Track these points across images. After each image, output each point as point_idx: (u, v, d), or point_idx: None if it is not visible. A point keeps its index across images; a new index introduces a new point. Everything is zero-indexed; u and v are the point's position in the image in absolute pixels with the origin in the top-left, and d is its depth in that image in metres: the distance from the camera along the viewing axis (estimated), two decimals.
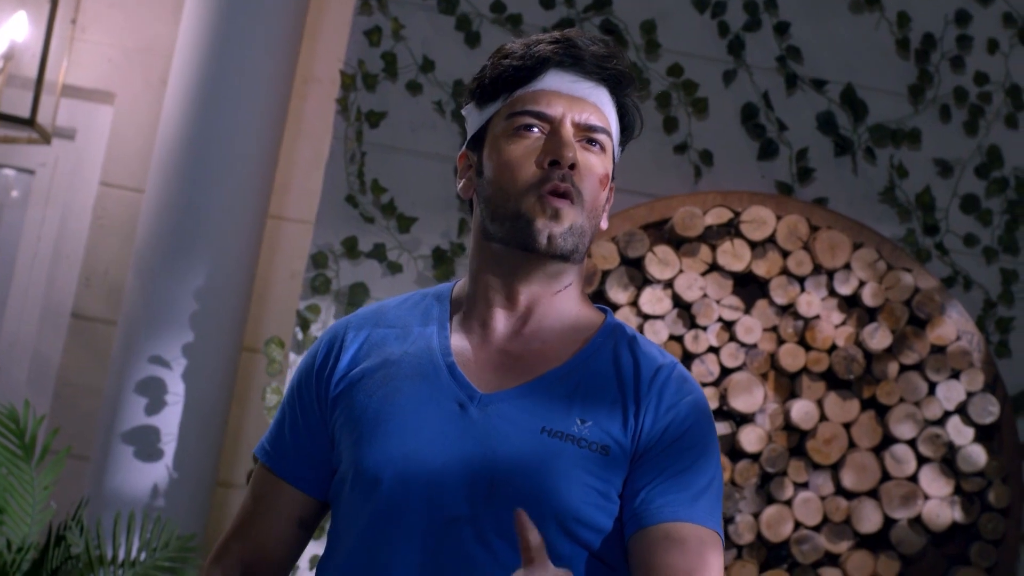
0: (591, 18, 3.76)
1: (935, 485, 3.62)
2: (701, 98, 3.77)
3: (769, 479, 3.60)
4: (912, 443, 3.62)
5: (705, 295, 3.61)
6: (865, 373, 3.64)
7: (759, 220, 3.65)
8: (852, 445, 3.61)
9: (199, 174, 3.57)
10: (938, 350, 3.67)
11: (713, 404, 3.55)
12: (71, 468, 3.62)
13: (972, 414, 3.64)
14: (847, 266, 3.66)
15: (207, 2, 3.62)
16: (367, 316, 1.92)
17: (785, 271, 3.65)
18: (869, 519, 3.59)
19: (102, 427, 3.54)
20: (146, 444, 3.50)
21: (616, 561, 1.78)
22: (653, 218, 3.67)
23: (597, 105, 1.85)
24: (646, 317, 3.58)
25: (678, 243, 3.64)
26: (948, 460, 3.64)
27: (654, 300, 3.59)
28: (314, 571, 3.38)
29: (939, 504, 3.61)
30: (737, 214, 3.66)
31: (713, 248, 3.63)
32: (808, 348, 3.63)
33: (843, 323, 3.65)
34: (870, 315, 3.67)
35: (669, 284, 3.61)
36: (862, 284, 3.66)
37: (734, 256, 3.63)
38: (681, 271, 3.61)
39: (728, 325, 3.61)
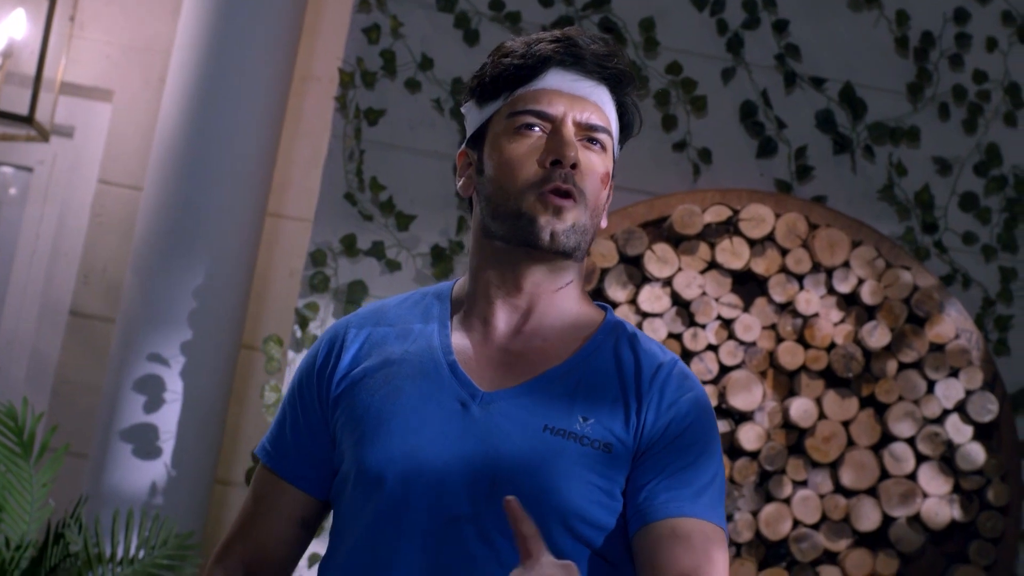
0: (590, 16, 3.76)
1: (934, 483, 3.62)
2: (700, 96, 3.77)
3: (768, 477, 3.60)
4: (911, 441, 3.63)
5: (704, 293, 3.61)
6: (864, 371, 3.64)
7: (758, 218, 3.65)
8: (851, 443, 3.61)
9: (198, 172, 3.56)
10: (937, 348, 3.67)
11: (712, 402, 3.54)
12: (69, 466, 3.62)
13: (971, 412, 3.64)
14: (846, 264, 3.66)
15: (206, 0, 3.61)
16: (367, 315, 1.92)
17: (784, 269, 3.65)
18: (868, 517, 3.59)
19: (101, 425, 3.54)
20: (145, 442, 3.50)
21: (618, 559, 1.78)
22: (652, 216, 3.67)
23: (598, 104, 1.85)
24: (645, 315, 3.58)
25: (677, 241, 3.64)
26: (947, 458, 3.64)
27: (653, 298, 3.59)
28: (313, 569, 3.38)
29: (938, 502, 3.61)
30: (736, 212, 3.66)
31: (712, 246, 3.63)
32: (807, 346, 3.63)
33: (842, 321, 3.65)
34: (869, 313, 3.67)
35: (668, 282, 3.61)
36: (861, 282, 3.66)
37: (733, 254, 3.63)
38: (680, 269, 3.61)
39: (727, 323, 3.61)
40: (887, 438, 3.63)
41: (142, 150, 3.86)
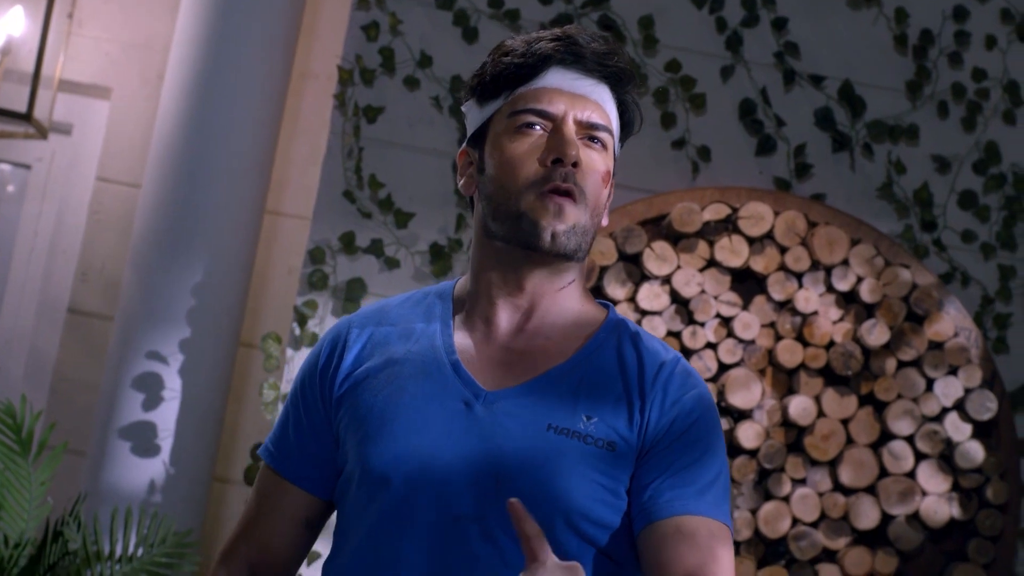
0: (588, 13, 3.75)
1: (933, 481, 3.62)
2: (699, 94, 3.77)
3: (767, 475, 3.60)
4: (910, 439, 3.62)
5: (703, 291, 3.61)
6: (863, 369, 3.64)
7: (757, 216, 3.65)
8: (850, 441, 3.61)
9: (196, 169, 3.56)
10: (936, 346, 3.67)
11: None
12: (68, 463, 3.62)
13: (970, 410, 3.64)
14: (845, 262, 3.66)
15: None
16: (369, 315, 1.92)
17: (783, 267, 3.65)
18: (867, 515, 3.59)
19: (99, 422, 3.54)
20: (143, 440, 3.50)
21: (623, 557, 1.78)
22: (651, 214, 3.67)
23: (599, 103, 1.85)
24: (644, 313, 3.58)
25: (676, 239, 3.64)
26: (946, 456, 3.64)
27: (652, 296, 3.59)
28: (311, 568, 3.38)
29: (937, 500, 3.61)
30: (735, 210, 3.66)
31: (711, 244, 3.63)
32: (806, 344, 3.62)
33: (841, 319, 3.65)
34: (868, 311, 3.67)
35: (667, 280, 3.60)
36: (860, 280, 3.66)
37: (732, 252, 3.63)
38: (679, 267, 3.61)
39: (726, 321, 3.61)
40: (886, 436, 3.63)
41: (140, 147, 3.85)
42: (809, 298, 3.63)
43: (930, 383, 3.65)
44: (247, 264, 3.64)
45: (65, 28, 3.84)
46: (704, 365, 3.57)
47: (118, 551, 3.26)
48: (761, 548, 3.59)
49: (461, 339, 1.85)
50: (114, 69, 3.92)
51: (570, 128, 1.82)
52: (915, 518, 3.60)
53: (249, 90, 3.61)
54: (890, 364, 3.63)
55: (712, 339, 3.60)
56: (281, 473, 1.91)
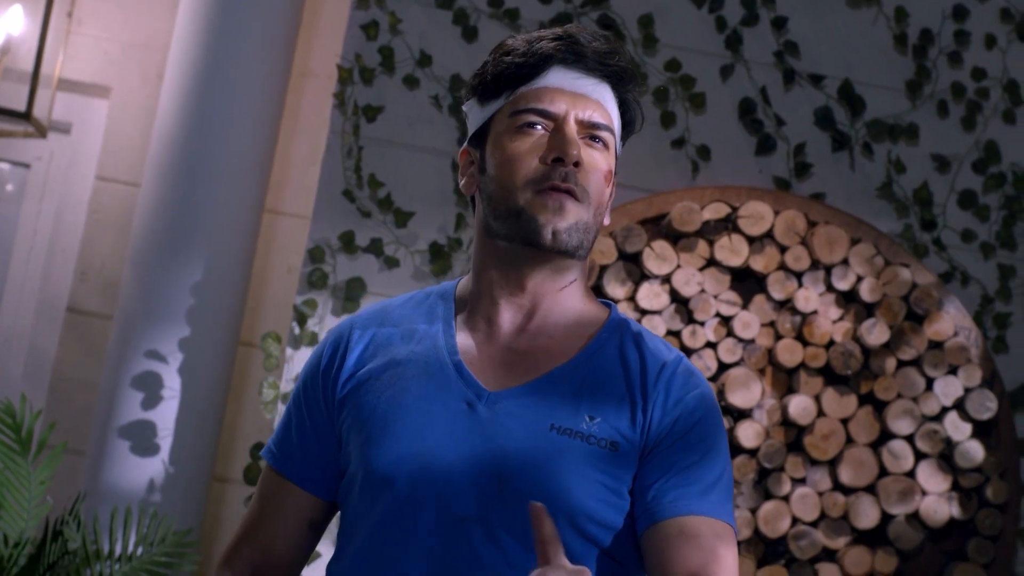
0: (588, 12, 3.75)
1: (933, 481, 3.62)
2: (699, 93, 3.77)
3: (766, 475, 3.60)
4: (910, 439, 3.62)
5: (703, 290, 3.60)
6: (863, 368, 3.64)
7: (757, 215, 3.64)
8: (850, 441, 3.61)
9: (195, 168, 3.56)
10: (936, 346, 3.67)
11: None
12: (67, 463, 3.62)
13: (970, 410, 3.64)
14: (845, 261, 3.66)
15: None
16: (371, 315, 1.92)
17: (783, 266, 3.65)
18: (867, 515, 3.59)
19: (98, 422, 3.53)
20: (142, 439, 3.49)
21: (626, 557, 1.78)
22: (651, 213, 3.66)
23: (600, 102, 1.85)
24: (643, 312, 3.58)
25: (676, 238, 3.64)
26: (946, 456, 3.64)
27: (651, 295, 3.58)
28: (311, 568, 3.38)
29: (937, 500, 3.61)
30: (735, 209, 3.66)
31: (711, 243, 3.63)
32: (806, 343, 3.62)
33: (841, 318, 3.65)
34: (868, 310, 3.67)
35: (667, 279, 3.60)
36: (860, 279, 3.66)
37: (732, 251, 3.62)
38: (679, 266, 3.61)
39: (726, 320, 3.61)
40: (886, 435, 3.63)
41: (140, 146, 3.85)
42: (809, 297, 3.63)
43: (930, 382, 3.65)
44: (246, 263, 3.64)
45: (64, 27, 3.84)
46: (704, 364, 3.57)
47: (118, 550, 3.25)
48: (761, 547, 3.59)
49: (463, 339, 1.85)
50: (113, 68, 3.91)
51: (571, 127, 1.82)
52: (915, 517, 3.60)
53: (248, 89, 3.60)
54: (890, 363, 3.63)
55: (712, 338, 3.59)
56: (284, 474, 1.91)
